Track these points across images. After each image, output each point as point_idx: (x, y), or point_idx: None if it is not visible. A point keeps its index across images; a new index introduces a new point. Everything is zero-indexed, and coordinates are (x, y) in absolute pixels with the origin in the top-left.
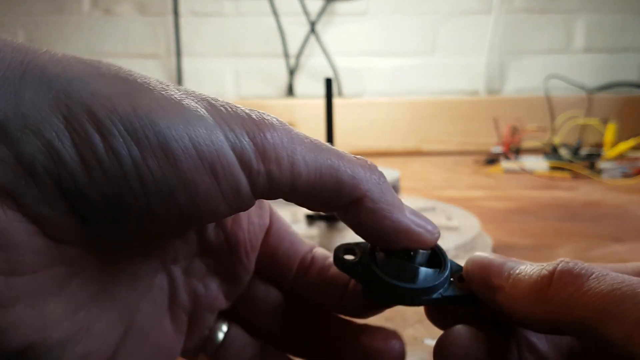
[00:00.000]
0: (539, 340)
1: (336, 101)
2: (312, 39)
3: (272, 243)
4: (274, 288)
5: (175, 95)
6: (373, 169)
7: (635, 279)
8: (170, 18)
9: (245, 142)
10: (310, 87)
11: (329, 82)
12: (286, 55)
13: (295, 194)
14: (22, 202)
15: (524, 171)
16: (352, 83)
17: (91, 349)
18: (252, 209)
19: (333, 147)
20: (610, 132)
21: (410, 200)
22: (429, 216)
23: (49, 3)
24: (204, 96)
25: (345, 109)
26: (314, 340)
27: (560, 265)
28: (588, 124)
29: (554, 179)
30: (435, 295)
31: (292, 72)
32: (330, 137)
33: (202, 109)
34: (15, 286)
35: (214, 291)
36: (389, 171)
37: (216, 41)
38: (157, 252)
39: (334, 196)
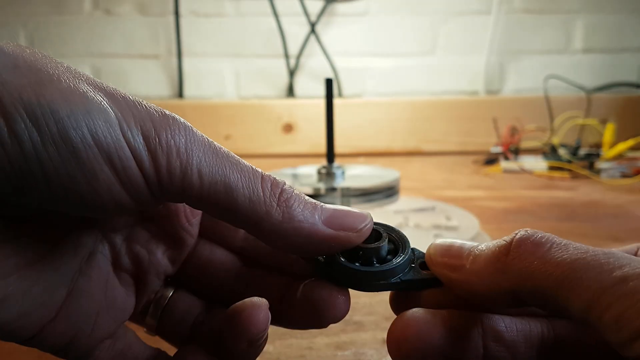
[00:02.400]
0: (507, 330)
1: (336, 101)
2: (312, 39)
3: None
4: (222, 249)
5: (82, 88)
6: (274, 187)
7: (599, 249)
8: (170, 18)
9: (139, 142)
10: (310, 87)
11: (329, 83)
12: (286, 55)
13: (190, 202)
14: None
15: (523, 171)
16: (352, 83)
17: (28, 309)
18: None
19: (239, 160)
20: (609, 132)
21: (410, 200)
22: (429, 216)
23: (50, 3)
24: (113, 90)
25: (345, 109)
26: (261, 296)
27: (519, 234)
28: (587, 124)
29: (553, 179)
30: (393, 280)
31: (292, 73)
32: (330, 137)
33: (106, 103)
34: None
35: (158, 256)
36: (389, 171)
37: (216, 41)
38: (94, 222)
39: (230, 215)
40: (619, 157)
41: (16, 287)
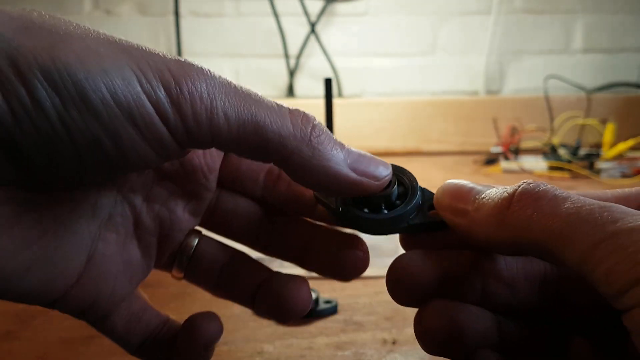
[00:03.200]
0: (507, 267)
1: (336, 101)
2: (312, 39)
3: (234, 161)
4: (243, 198)
5: (95, 46)
6: (305, 122)
7: (596, 202)
8: (170, 18)
9: (161, 95)
10: (310, 87)
11: (328, 83)
12: (286, 55)
13: (219, 147)
14: None
15: (523, 171)
16: (352, 83)
17: (51, 276)
18: None
19: (263, 98)
20: (609, 132)
21: None
22: None
23: (50, 3)
24: (125, 44)
25: (345, 109)
26: (285, 242)
27: (521, 186)
28: (587, 124)
29: (553, 179)
30: (402, 224)
31: (292, 73)
32: None
33: (122, 59)
34: None
35: (178, 213)
36: None
37: (216, 41)
38: (112, 184)
39: (260, 152)
40: (619, 157)
41: (39, 255)
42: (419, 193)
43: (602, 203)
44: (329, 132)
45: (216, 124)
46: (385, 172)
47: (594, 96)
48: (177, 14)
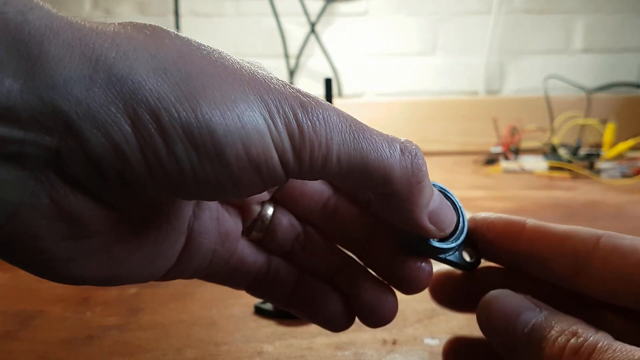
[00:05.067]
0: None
1: (336, 101)
2: (312, 39)
3: None
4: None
5: (228, 90)
6: (415, 166)
7: None
8: (170, 18)
9: (287, 147)
10: (310, 87)
11: (328, 82)
12: (286, 55)
13: (324, 179)
14: (89, 188)
15: (523, 171)
16: (352, 83)
17: (153, 264)
18: None
19: (373, 134)
20: (609, 132)
21: None
22: None
23: (50, 3)
24: (259, 80)
25: (345, 109)
26: (342, 228)
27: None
28: (587, 124)
29: (553, 179)
30: (440, 255)
31: (292, 73)
32: None
33: (256, 107)
34: (83, 246)
35: None
36: None
37: (216, 41)
38: None
39: (361, 187)
40: (619, 157)
41: (149, 254)
42: (463, 236)
43: None
44: (427, 173)
45: (329, 167)
46: (450, 228)
47: (594, 96)
48: (177, 13)
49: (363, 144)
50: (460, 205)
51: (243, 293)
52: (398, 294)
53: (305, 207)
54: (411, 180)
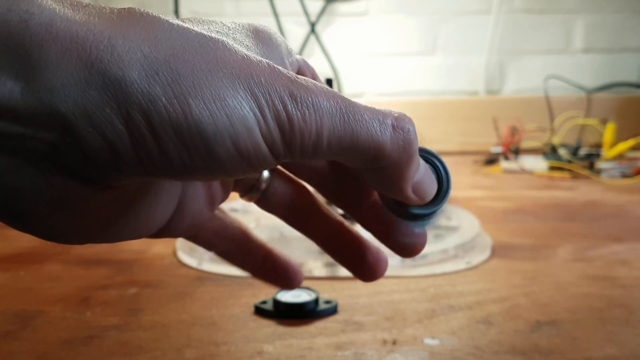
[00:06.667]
0: None
1: None
2: (312, 39)
3: None
4: None
5: (222, 91)
6: (407, 142)
7: None
8: None
9: (277, 139)
10: None
11: (329, 83)
12: None
13: (315, 159)
14: (87, 178)
15: (523, 171)
16: (352, 83)
17: (145, 225)
18: None
19: (365, 114)
20: (609, 132)
21: None
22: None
23: None
24: (248, 72)
25: None
26: (341, 197)
27: None
28: (587, 124)
29: (554, 179)
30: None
31: None
32: None
33: (246, 104)
34: (80, 215)
35: None
36: None
37: None
38: None
39: (350, 163)
40: (619, 157)
41: (160, 216)
42: (445, 198)
43: None
44: (417, 146)
45: (319, 150)
46: (431, 196)
47: (594, 96)
48: (177, 14)
49: (354, 125)
50: (447, 170)
51: (243, 293)
52: (397, 295)
53: (303, 169)
54: (402, 157)
